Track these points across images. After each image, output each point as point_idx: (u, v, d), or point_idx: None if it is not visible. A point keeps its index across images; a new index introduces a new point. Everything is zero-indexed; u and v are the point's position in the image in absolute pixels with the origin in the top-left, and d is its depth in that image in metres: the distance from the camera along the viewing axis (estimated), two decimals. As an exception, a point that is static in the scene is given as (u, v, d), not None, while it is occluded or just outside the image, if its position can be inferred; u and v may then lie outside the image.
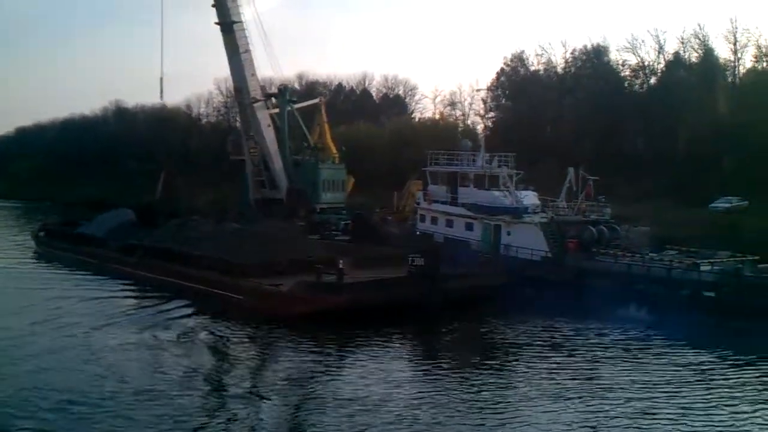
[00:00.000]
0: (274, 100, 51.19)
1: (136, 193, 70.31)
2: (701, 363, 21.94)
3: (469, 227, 36.21)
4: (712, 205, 51.12)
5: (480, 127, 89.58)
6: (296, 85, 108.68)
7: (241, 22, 46.16)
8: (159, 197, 50.84)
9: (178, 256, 35.80)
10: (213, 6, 45.67)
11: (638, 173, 61.45)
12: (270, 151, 48.67)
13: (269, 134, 48.86)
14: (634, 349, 23.87)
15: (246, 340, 25.53)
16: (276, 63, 65.30)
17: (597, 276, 29.41)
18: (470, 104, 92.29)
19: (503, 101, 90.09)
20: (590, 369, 21.52)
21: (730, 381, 20.21)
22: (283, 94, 51.14)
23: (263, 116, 48.48)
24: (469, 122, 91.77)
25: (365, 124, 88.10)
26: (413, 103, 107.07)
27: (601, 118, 70.45)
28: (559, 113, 75.62)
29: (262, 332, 26.20)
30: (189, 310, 29.36)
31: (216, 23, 45.96)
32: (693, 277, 27.55)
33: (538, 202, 36.39)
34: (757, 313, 24.96)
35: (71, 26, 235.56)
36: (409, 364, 23.00)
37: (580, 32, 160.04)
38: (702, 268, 28.21)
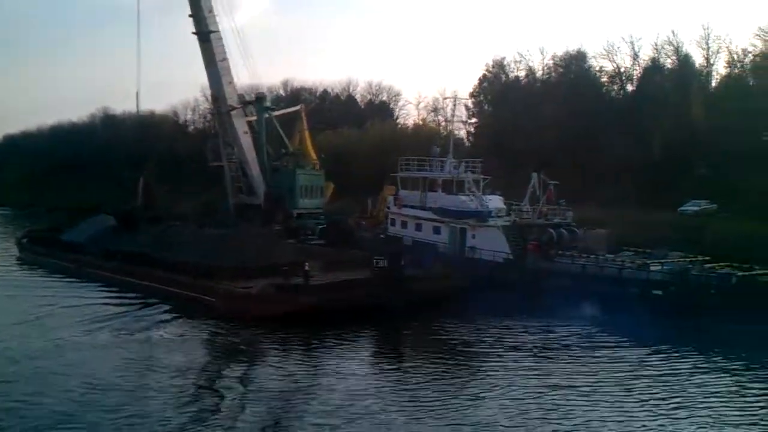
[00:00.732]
0: (251, 107, 52.63)
1: (126, 199, 71.52)
2: (643, 357, 23.55)
3: (436, 230, 37.85)
4: (682, 208, 52.80)
5: (462, 133, 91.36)
6: (281, 92, 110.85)
7: (217, 31, 47.61)
8: (139, 203, 52.21)
9: (155, 261, 37.24)
10: (190, 16, 47.11)
11: (615, 177, 63.01)
12: (247, 158, 50.19)
13: (246, 141, 50.35)
14: (582, 345, 25.47)
15: (216, 340, 26.88)
16: (254, 70, 67.21)
17: (554, 276, 31.07)
18: (452, 110, 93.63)
19: (486, 107, 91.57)
20: (539, 365, 22.98)
21: (669, 371, 21.80)
22: (260, 101, 52.80)
23: (240, 123, 49.96)
24: (451, 128, 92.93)
25: (349, 131, 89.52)
26: (397, 109, 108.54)
27: (580, 124, 71.95)
28: (538, 119, 77.04)
29: (231, 332, 27.49)
30: (163, 313, 30.74)
31: (193, 33, 47.46)
32: (642, 277, 29.21)
33: (503, 206, 38.02)
34: (701, 310, 26.62)
35: (57, 32, 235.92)
36: (369, 362, 24.42)
37: (560, 38, 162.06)
38: (652, 268, 29.84)
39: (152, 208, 51.54)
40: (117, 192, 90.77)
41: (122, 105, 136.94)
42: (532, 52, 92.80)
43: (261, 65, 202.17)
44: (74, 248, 45.45)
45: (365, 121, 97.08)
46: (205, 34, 47.02)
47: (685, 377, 21.44)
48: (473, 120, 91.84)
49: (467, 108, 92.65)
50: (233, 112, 49.04)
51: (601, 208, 53.98)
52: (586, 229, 35.58)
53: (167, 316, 30.31)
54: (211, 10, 47.27)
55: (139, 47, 47.51)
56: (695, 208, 52.01)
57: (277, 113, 58.72)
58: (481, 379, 21.59)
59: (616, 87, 77.94)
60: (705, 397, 19.42)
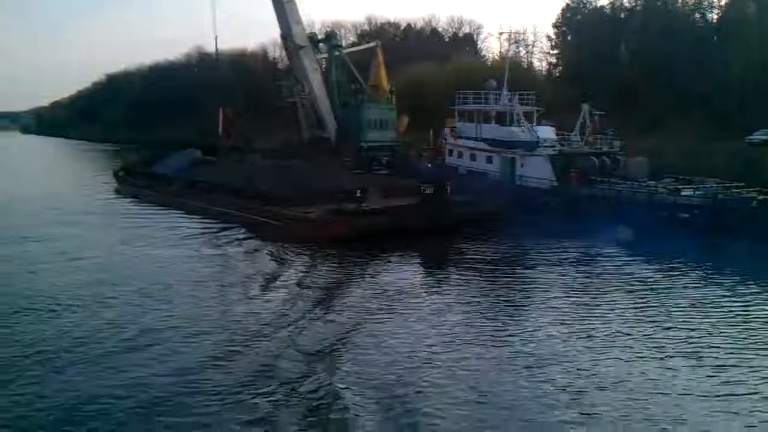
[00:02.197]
0: (323, 45, 56.26)
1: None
2: (654, 272, 26.35)
3: (489, 160, 40.92)
4: (749, 137, 53.05)
5: (544, 64, 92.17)
6: (366, 27, 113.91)
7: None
8: (220, 135, 57.46)
9: (230, 190, 42.10)
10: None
11: (689, 107, 63.36)
12: (317, 94, 54.03)
13: (316, 78, 54.05)
14: (604, 263, 28.31)
15: (280, 255, 31.12)
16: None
17: (591, 201, 33.74)
18: (533, 42, 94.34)
19: (568, 37, 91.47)
20: (564, 278, 26.07)
21: (673, 285, 24.64)
22: (330, 39, 56.35)
23: (310, 61, 53.61)
24: (532, 60, 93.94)
25: (428, 64, 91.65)
26: (480, 43, 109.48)
27: (658, 53, 71.80)
28: (618, 49, 77.05)
29: (293, 251, 31.59)
30: (237, 235, 35.53)
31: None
32: (671, 201, 31.55)
33: (554, 136, 40.47)
34: (722, 232, 28.97)
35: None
36: (414, 272, 28.24)
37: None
38: (683, 193, 32.09)
39: (231, 139, 56.54)
40: (209, 127, 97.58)
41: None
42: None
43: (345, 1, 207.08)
44: (162, 179, 51.05)
45: (449, 55, 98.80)
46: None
47: (687, 287, 24.14)
48: (555, 51, 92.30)
49: (549, 38, 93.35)
50: (301, 51, 52.67)
51: (667, 138, 55.47)
52: (627, 157, 37.70)
53: (241, 236, 35.21)
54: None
55: None
56: (763, 137, 52.13)
57: (352, 50, 61.94)
58: (518, 290, 24.66)
59: (698, 15, 76.57)
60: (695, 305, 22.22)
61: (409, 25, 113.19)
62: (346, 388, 15.57)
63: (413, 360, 17.36)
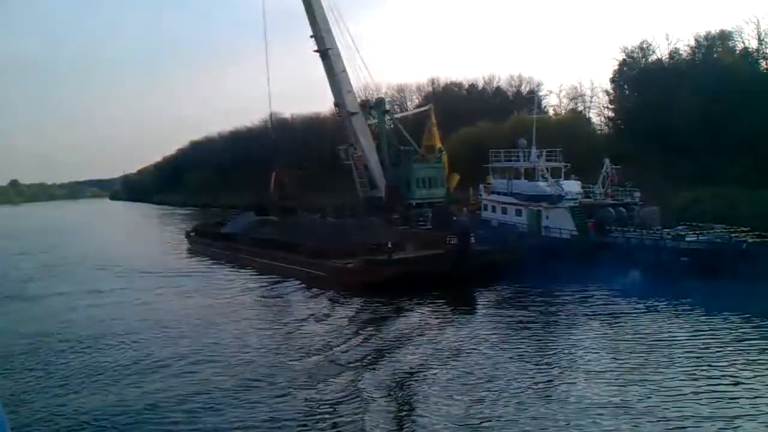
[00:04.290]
0: (372, 111, 62.31)
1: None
2: (652, 312, 30.13)
3: (518, 213, 45.17)
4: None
5: (601, 119, 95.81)
6: (429, 88, 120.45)
7: (333, 48, 57.53)
8: (271, 195, 63.89)
9: (283, 245, 47.70)
10: (311, 37, 57.54)
11: (739, 156, 65.78)
12: (368, 156, 59.80)
13: (367, 141, 59.92)
14: (613, 303, 32.10)
15: (321, 300, 36.28)
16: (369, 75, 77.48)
17: (605, 248, 37.48)
18: (591, 97, 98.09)
19: (626, 92, 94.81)
20: (573, 320, 30.29)
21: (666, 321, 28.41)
22: (379, 106, 62.33)
23: (361, 126, 59.59)
24: (590, 115, 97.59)
25: (487, 122, 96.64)
26: (542, 99, 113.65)
27: (712, 104, 74.48)
28: (674, 101, 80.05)
29: (335, 297, 36.66)
30: (289, 284, 41.36)
31: (314, 51, 57.74)
32: (675, 246, 35.03)
33: (579, 189, 44.41)
34: (719, 272, 32.23)
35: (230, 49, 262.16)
36: (440, 316, 32.18)
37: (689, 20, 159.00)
38: (687, 239, 35.55)
39: (284, 199, 62.72)
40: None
41: (290, 108, 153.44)
42: (672, 34, 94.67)
43: (408, 64, 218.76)
44: (229, 238, 57.31)
45: (512, 112, 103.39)
46: (324, 52, 57.02)
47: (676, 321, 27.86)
48: (612, 105, 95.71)
49: (607, 93, 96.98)
50: (353, 117, 58.68)
51: (715, 186, 58.13)
52: (641, 207, 41.29)
53: (290, 285, 41.15)
54: (328, 31, 57.22)
55: (267, 56, 59.56)
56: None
57: (405, 113, 67.67)
58: (526, 328, 28.50)
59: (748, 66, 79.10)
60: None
61: (471, 84, 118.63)
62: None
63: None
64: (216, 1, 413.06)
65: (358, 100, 62.17)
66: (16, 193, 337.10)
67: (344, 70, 58.23)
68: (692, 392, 19.19)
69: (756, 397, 18.69)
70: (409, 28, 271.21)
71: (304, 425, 18.00)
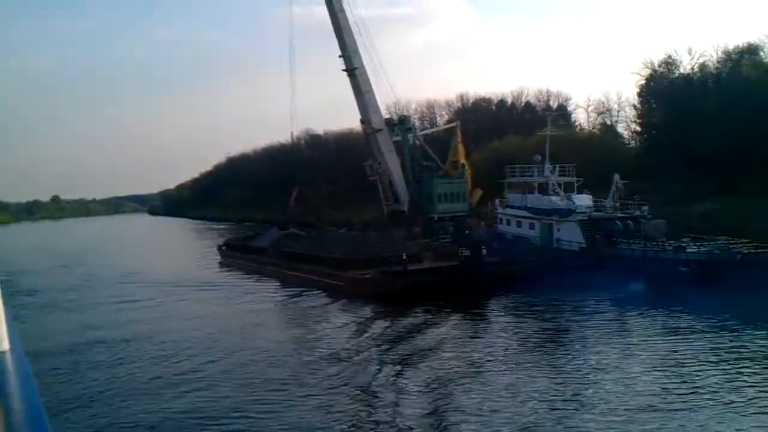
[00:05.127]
0: (397, 128, 65.10)
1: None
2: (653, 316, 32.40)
3: (531, 226, 47.44)
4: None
5: (628, 133, 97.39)
6: (458, 104, 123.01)
7: (360, 67, 60.38)
8: (290, 210, 67.23)
9: (311, 258, 50.52)
10: (340, 57, 60.63)
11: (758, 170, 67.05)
12: (392, 172, 62.52)
13: (391, 158, 62.65)
14: (616, 309, 34.64)
15: (340, 309, 39.03)
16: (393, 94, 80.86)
17: (611, 259, 39.55)
18: (618, 111, 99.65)
19: (654, 106, 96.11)
20: (578, 326, 32.69)
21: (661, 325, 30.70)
22: (403, 123, 65.13)
23: (385, 142, 62.33)
24: (618, 128, 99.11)
25: (515, 138, 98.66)
26: (572, 114, 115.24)
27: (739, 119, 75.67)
28: (702, 115, 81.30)
29: (353, 305, 39.52)
30: (311, 294, 44.18)
31: (342, 70, 60.76)
32: (675, 257, 37.05)
33: (590, 203, 46.54)
34: (715, 280, 34.16)
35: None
36: (449, 322, 34.86)
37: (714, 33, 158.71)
38: (688, 250, 37.53)
39: (303, 214, 65.93)
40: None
41: (323, 125, 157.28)
42: (699, 48, 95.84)
43: (438, 80, 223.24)
44: (257, 251, 60.41)
45: (541, 126, 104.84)
46: (351, 71, 60.03)
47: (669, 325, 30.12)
48: (639, 120, 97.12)
49: (635, 107, 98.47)
50: (378, 134, 61.48)
51: (737, 199, 59.49)
52: (646, 220, 43.27)
53: (311, 294, 44.17)
54: (356, 51, 60.20)
55: (293, 85, 62.99)
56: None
57: (430, 130, 70.42)
58: (534, 332, 31.33)
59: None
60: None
61: (501, 100, 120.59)
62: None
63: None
64: (251, 15, 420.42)
65: (384, 117, 65.01)
66: (57, 209, 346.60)
67: (370, 90, 61.07)
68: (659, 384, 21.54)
69: (716, 391, 20.95)
70: (440, 45, 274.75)
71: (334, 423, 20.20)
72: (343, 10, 60.33)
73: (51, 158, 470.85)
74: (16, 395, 2.18)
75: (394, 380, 24.11)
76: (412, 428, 19.46)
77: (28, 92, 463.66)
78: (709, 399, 20.34)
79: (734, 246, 37.31)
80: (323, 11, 61.43)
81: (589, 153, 75.53)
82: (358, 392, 22.99)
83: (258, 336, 32.71)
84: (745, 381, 22.03)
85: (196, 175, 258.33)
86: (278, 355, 28.65)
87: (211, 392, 23.44)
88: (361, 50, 60.76)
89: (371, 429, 19.64)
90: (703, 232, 42.54)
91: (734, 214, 54.65)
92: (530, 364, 25.53)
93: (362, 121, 62.98)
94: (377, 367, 25.84)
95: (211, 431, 19.77)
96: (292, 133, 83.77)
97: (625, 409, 19.75)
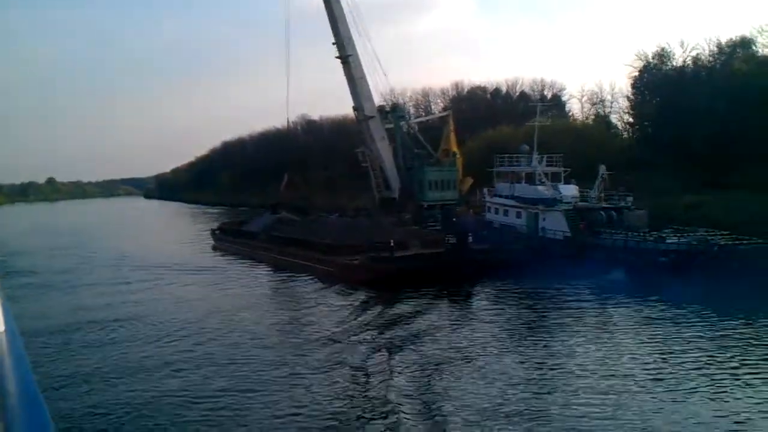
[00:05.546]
0: (389, 116, 66.00)
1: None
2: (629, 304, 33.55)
3: (518, 215, 48.52)
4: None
5: (621, 124, 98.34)
6: (453, 92, 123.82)
7: (353, 54, 61.22)
8: (280, 195, 68.53)
9: (302, 242, 51.51)
10: (333, 44, 61.41)
11: (748, 163, 68.04)
12: (383, 159, 63.52)
13: (383, 145, 63.61)
14: (597, 297, 35.65)
15: (329, 294, 40.02)
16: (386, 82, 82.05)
17: (594, 249, 40.66)
18: (611, 102, 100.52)
19: (647, 98, 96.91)
20: (561, 312, 33.87)
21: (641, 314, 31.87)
22: (395, 111, 66.04)
23: (377, 130, 63.23)
24: (611, 119, 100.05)
25: (508, 127, 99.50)
26: (567, 104, 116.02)
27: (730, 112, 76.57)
28: (694, 108, 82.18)
29: (342, 290, 40.43)
30: (302, 278, 45.21)
31: (336, 57, 61.57)
32: (655, 248, 38.14)
33: (576, 193, 47.57)
34: (692, 270, 35.29)
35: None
36: (436, 306, 35.82)
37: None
38: (668, 241, 38.61)
39: (294, 199, 67.21)
40: (312, 190, 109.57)
41: (319, 111, 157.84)
42: (691, 41, 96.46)
43: (433, 68, 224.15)
44: (250, 236, 61.38)
45: (535, 116, 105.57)
46: (345, 59, 60.84)
47: (649, 314, 31.24)
48: (632, 111, 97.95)
49: (628, 98, 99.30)
50: (370, 121, 62.38)
51: (726, 192, 60.50)
52: (629, 210, 44.36)
53: (300, 278, 45.16)
54: (349, 38, 61.00)
55: (288, 71, 63.72)
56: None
57: (423, 119, 71.38)
58: (512, 318, 32.63)
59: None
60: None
61: (496, 88, 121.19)
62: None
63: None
64: (251, 3, 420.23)
65: (377, 104, 65.87)
66: (53, 191, 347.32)
67: (363, 77, 61.91)
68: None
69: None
70: (439, 33, 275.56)
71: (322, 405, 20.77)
72: (337, -1, 61.20)
73: (47, 140, 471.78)
74: (12, 377, 2.16)
75: (377, 363, 25.06)
76: (392, 407, 20.24)
77: (28, 78, 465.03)
78: (668, 380, 21.52)
79: (713, 237, 38.39)
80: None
81: (581, 143, 76.55)
82: (345, 373, 23.86)
83: (247, 319, 33.55)
84: (710, 364, 23.26)
85: (192, 159, 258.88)
86: (265, 337, 29.61)
87: (200, 372, 24.25)
88: (354, 38, 61.62)
89: (357, 407, 20.45)
90: (688, 223, 43.66)
91: (721, 207, 55.68)
92: (507, 348, 26.56)
93: (355, 108, 63.84)
94: (362, 351, 26.81)
95: (200, 410, 20.38)
96: (288, 118, 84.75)
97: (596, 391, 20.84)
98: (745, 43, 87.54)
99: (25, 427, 1.95)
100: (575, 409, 19.34)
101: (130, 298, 40.02)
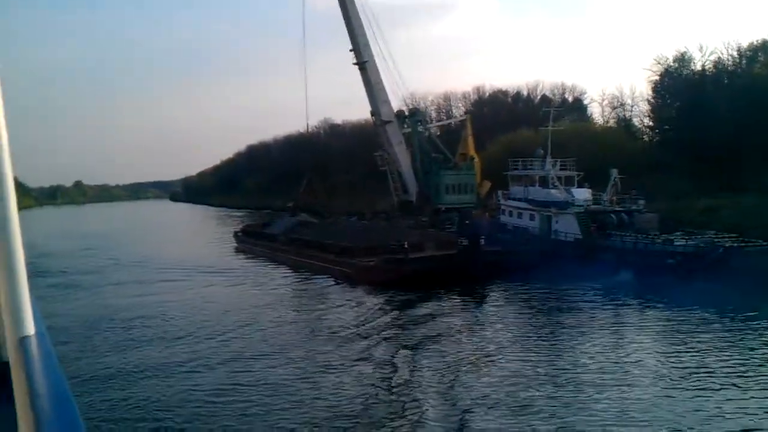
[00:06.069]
0: (407, 120, 67.32)
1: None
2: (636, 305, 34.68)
3: (531, 218, 49.58)
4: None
5: (641, 128, 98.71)
6: (474, 96, 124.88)
7: (370, 60, 62.64)
8: (298, 199, 70.15)
9: (321, 245, 52.96)
10: (350, 50, 62.93)
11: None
12: (401, 163, 64.85)
13: (400, 149, 65.00)
14: (605, 297, 36.70)
15: (346, 294, 41.43)
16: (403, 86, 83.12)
17: (604, 251, 41.64)
18: (632, 106, 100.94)
19: (667, 102, 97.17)
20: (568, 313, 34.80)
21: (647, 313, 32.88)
22: (413, 116, 67.35)
23: (395, 134, 64.63)
24: (632, 122, 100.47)
25: (527, 131, 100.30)
26: (588, 108, 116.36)
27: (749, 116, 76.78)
28: (715, 112, 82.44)
29: (359, 290, 41.88)
30: (320, 279, 46.70)
31: (353, 63, 63.04)
32: (663, 250, 39.07)
33: (589, 197, 48.55)
34: (699, 272, 36.17)
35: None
36: (448, 305, 37.17)
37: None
38: (676, 243, 39.50)
39: (312, 202, 68.82)
40: (334, 194, 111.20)
41: (342, 115, 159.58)
42: (710, 45, 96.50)
43: (456, 72, 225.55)
44: (271, 238, 63.01)
45: (556, 119, 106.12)
46: (362, 65, 62.30)
47: (651, 312, 32.32)
48: (653, 114, 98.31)
49: (649, 102, 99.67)
50: (388, 126, 63.75)
51: (745, 195, 60.99)
52: (640, 213, 45.27)
53: (318, 279, 46.79)
54: (366, 44, 62.44)
55: (305, 68, 65.40)
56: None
57: (442, 123, 72.73)
58: (523, 317, 33.95)
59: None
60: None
61: (517, 92, 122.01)
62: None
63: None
64: (273, 6, 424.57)
65: (396, 109, 67.25)
66: (80, 194, 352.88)
67: (380, 82, 63.39)
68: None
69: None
70: (460, 36, 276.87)
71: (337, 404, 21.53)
72: (353, 2, 62.56)
73: (74, 143, 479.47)
74: (42, 379, 2.17)
75: (398, 361, 25.95)
76: (417, 404, 21.00)
77: (53, 81, 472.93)
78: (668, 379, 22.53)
79: (720, 240, 39.20)
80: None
81: (600, 147, 77.31)
82: (365, 371, 24.60)
83: (267, 319, 34.56)
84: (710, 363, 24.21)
85: (217, 161, 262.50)
86: (286, 334, 30.85)
87: (225, 368, 25.23)
88: (371, 42, 63.02)
89: (383, 402, 21.21)
90: (703, 227, 44.46)
91: (736, 211, 56.22)
92: (521, 348, 27.35)
93: (372, 113, 65.26)
94: (382, 349, 27.72)
95: (228, 404, 21.11)
96: (307, 123, 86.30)
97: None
98: (766, 48, 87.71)
99: (56, 430, 1.92)
100: (594, 410, 19.65)
101: (156, 299, 41.49)
